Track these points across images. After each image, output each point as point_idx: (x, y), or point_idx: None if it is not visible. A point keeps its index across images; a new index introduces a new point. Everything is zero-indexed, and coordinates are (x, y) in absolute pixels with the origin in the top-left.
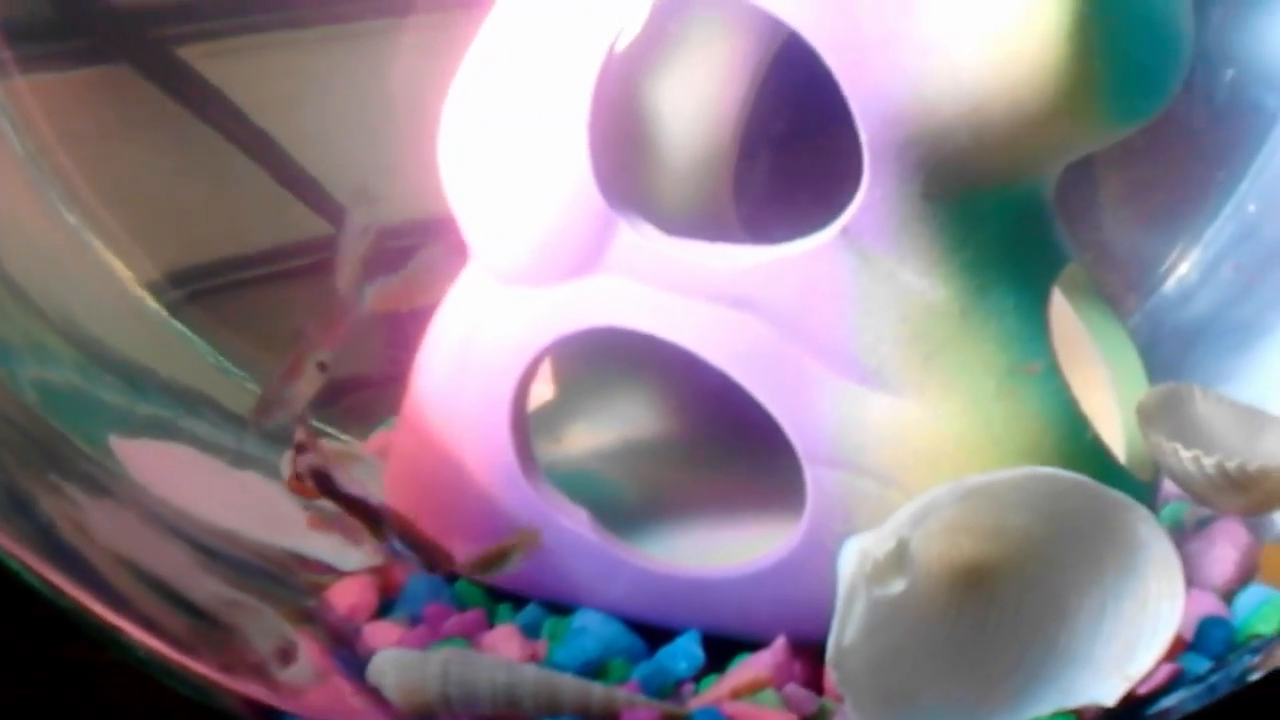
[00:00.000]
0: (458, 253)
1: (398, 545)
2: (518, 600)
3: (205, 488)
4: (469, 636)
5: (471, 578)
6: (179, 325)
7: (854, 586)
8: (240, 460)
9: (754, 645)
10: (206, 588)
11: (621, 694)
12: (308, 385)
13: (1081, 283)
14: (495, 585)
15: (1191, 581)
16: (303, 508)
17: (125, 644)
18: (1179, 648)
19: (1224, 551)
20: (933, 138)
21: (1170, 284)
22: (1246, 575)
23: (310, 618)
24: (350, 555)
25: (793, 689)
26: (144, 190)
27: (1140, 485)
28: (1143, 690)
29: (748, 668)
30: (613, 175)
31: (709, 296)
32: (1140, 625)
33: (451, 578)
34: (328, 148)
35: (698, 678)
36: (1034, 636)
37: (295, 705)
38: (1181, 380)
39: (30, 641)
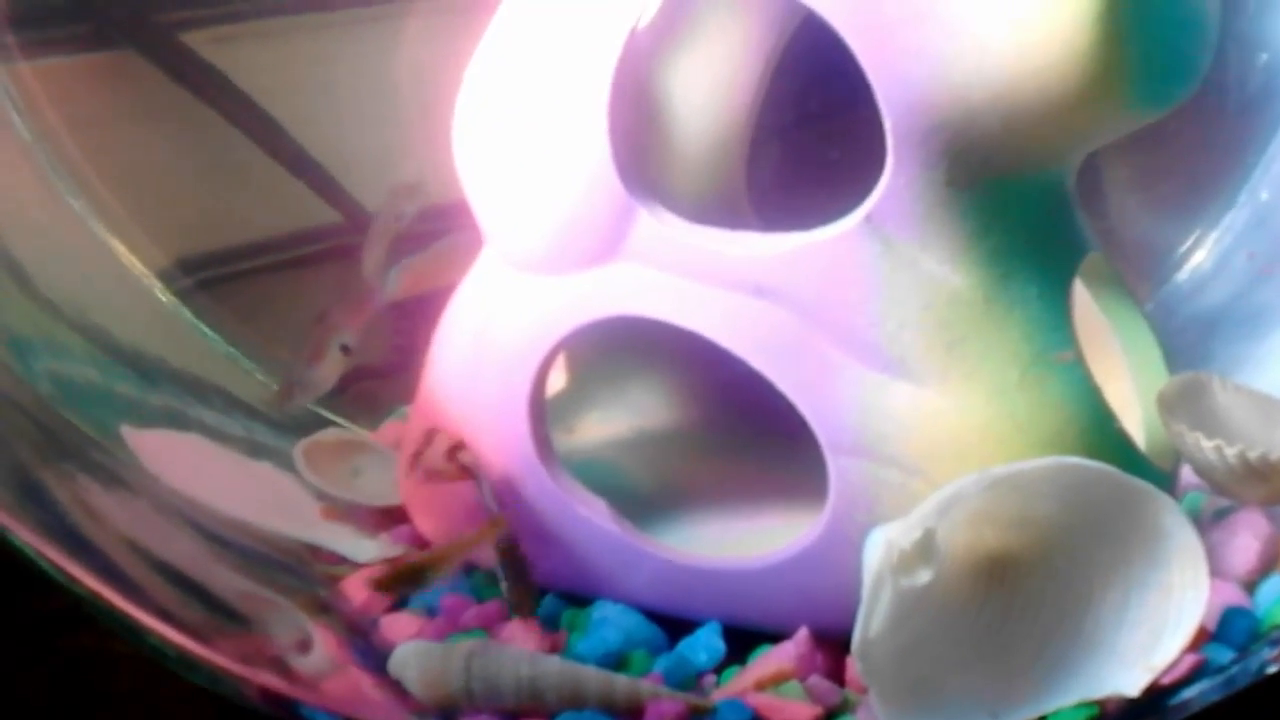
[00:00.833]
0: (475, 233)
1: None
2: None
3: (218, 478)
4: (488, 628)
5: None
6: (189, 314)
7: (880, 577)
8: (253, 450)
9: (774, 636)
10: (220, 578)
11: (646, 686)
12: (331, 368)
13: (1101, 271)
14: None
15: (1213, 572)
16: (317, 499)
17: (137, 632)
18: (1202, 638)
19: (1246, 541)
20: (959, 123)
21: (1184, 272)
22: (1268, 565)
23: (326, 609)
24: (365, 546)
25: (816, 680)
26: (152, 177)
27: (1161, 475)
28: (1166, 681)
29: (771, 659)
30: (631, 161)
31: (730, 285)
32: (1164, 615)
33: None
34: (337, 134)
35: (719, 669)
36: (1058, 626)
37: (312, 696)
38: (1196, 369)
39: (36, 632)
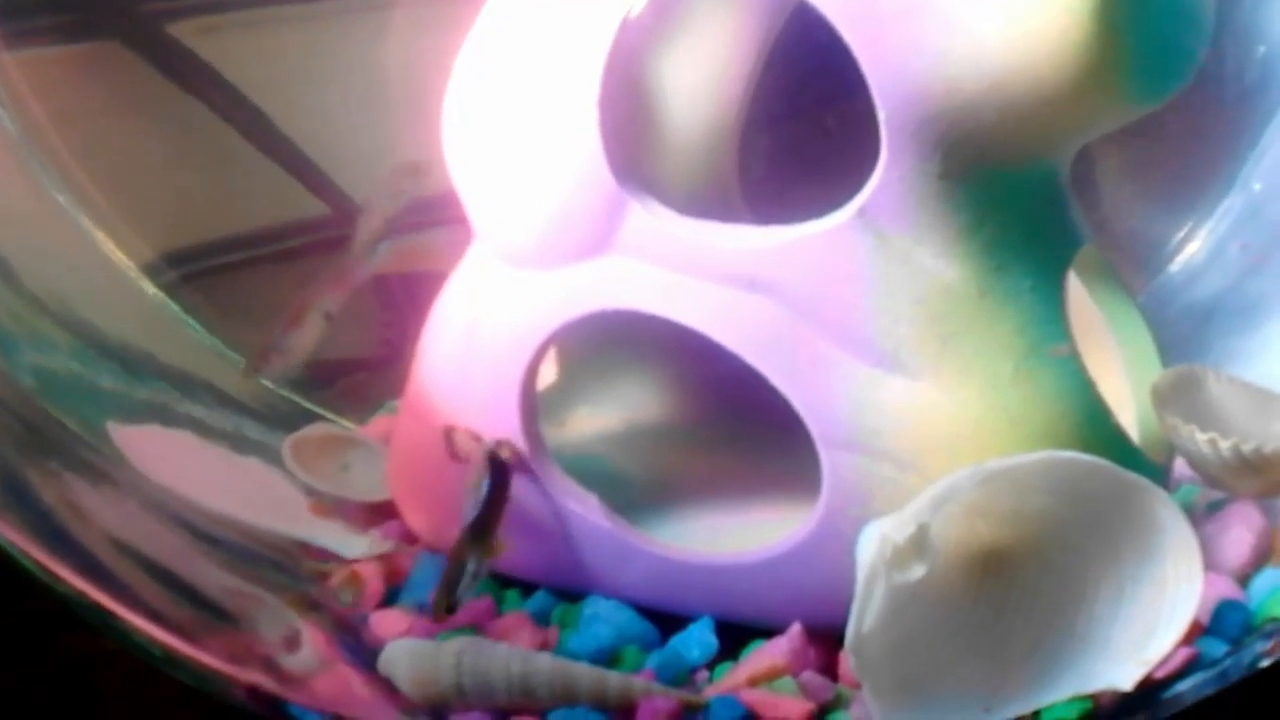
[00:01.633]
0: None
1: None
2: (526, 587)
3: (205, 474)
4: (479, 624)
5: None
6: (175, 308)
7: (874, 572)
8: (241, 445)
9: (767, 632)
10: (208, 575)
11: (638, 683)
12: (311, 333)
13: (1095, 263)
14: (503, 572)
15: (1207, 565)
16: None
17: (124, 631)
18: (1195, 631)
19: (1239, 534)
20: (953, 115)
21: (1177, 264)
22: (1261, 558)
23: (315, 606)
24: (354, 542)
25: (809, 676)
26: (138, 170)
27: (1155, 468)
28: (1159, 674)
29: (764, 655)
30: (623, 154)
31: (722, 278)
32: (1158, 609)
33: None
34: (324, 126)
35: (711, 665)
36: (1052, 621)
37: (301, 695)
38: (1189, 361)
39: (27, 632)
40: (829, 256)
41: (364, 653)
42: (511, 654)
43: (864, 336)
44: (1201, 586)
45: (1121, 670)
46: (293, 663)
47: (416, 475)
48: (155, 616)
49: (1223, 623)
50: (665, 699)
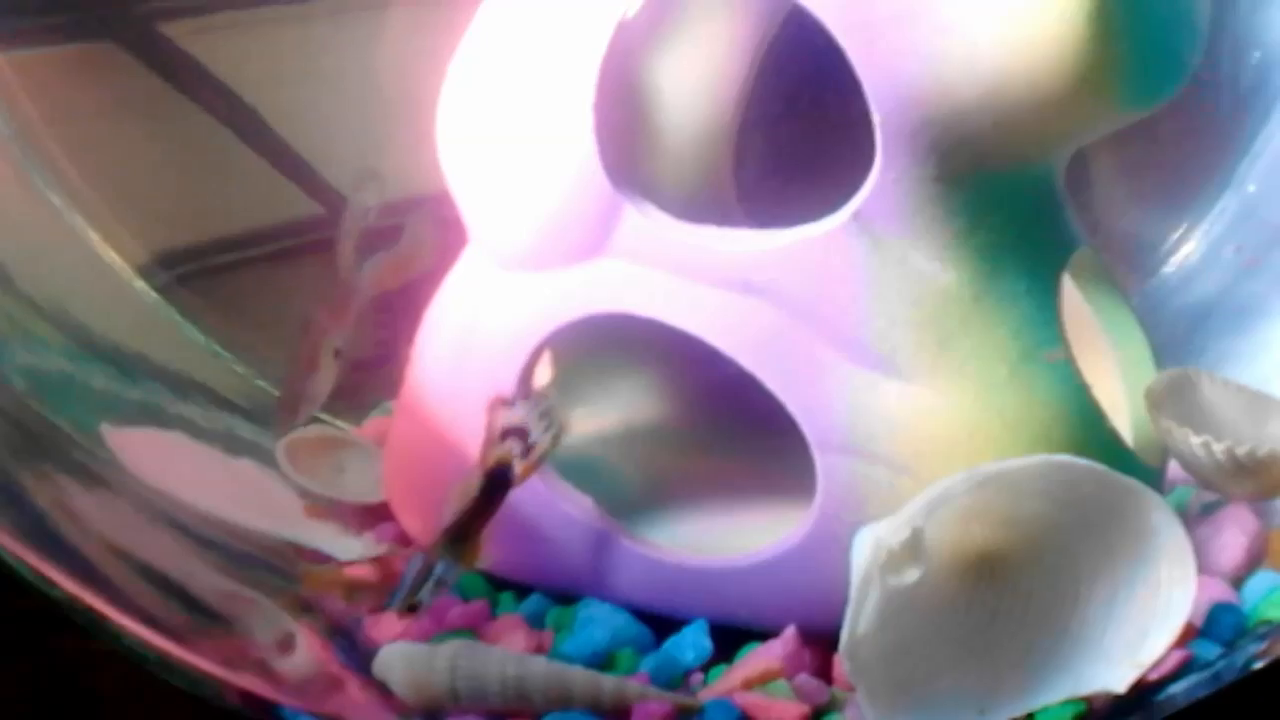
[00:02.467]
0: (441, 218)
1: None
2: (520, 590)
3: (199, 476)
4: (474, 627)
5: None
6: (169, 309)
7: (868, 576)
8: (235, 446)
9: (762, 635)
10: (201, 577)
11: (633, 686)
12: (327, 375)
13: (1090, 266)
14: (497, 575)
15: (1200, 567)
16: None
17: (117, 634)
18: (1189, 634)
19: (1232, 537)
20: (949, 119)
21: (1171, 265)
22: (1255, 561)
23: (309, 608)
24: (348, 545)
25: (804, 679)
26: (131, 170)
27: (1149, 471)
28: (1153, 677)
29: (758, 658)
30: (618, 157)
31: (718, 282)
32: (1152, 612)
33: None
34: (319, 126)
35: (706, 668)
36: (1046, 624)
37: (295, 698)
38: (1183, 363)
39: (19, 632)
40: (824, 260)
41: (358, 656)
42: (506, 657)
43: (859, 340)
44: (1195, 589)
45: (1115, 673)
46: (287, 666)
47: (411, 477)
48: (149, 620)
49: (1216, 625)
50: (660, 702)
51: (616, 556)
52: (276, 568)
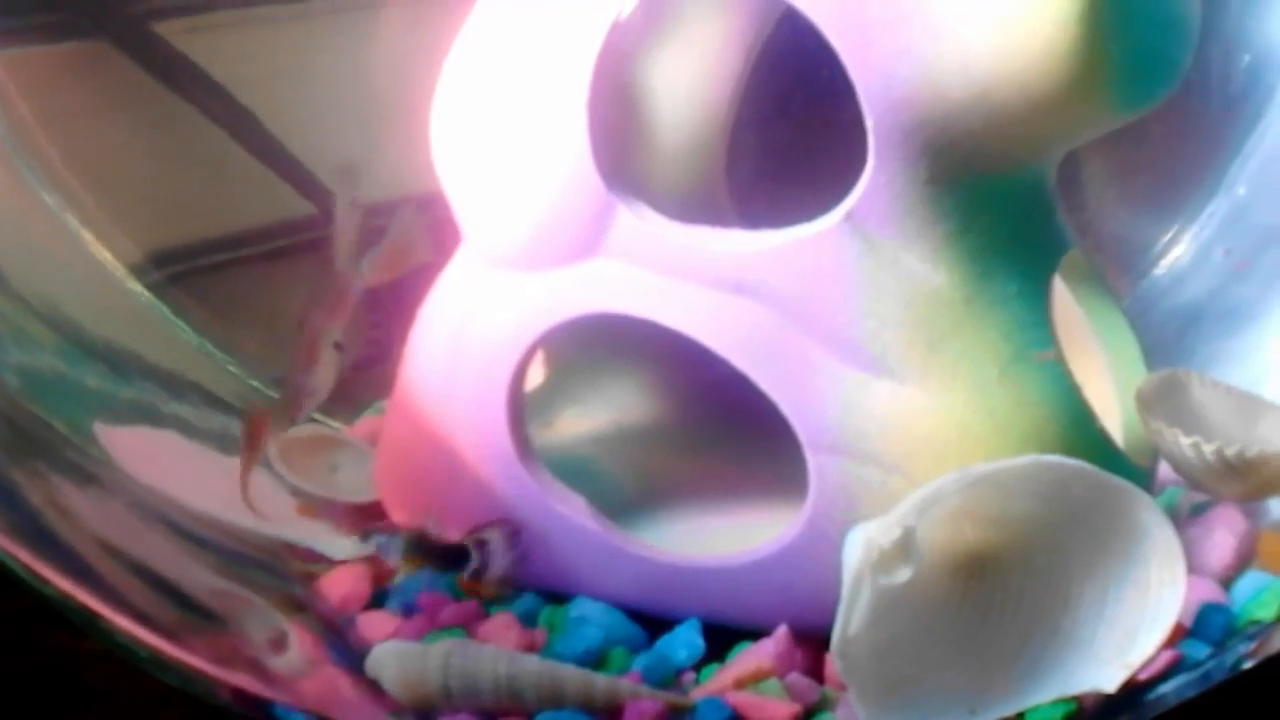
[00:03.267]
0: (428, 208)
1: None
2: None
3: (193, 475)
4: (466, 626)
5: None
6: (163, 308)
7: (859, 576)
8: (228, 445)
9: (754, 634)
10: (194, 576)
11: (625, 685)
12: (328, 369)
13: (1081, 267)
14: None
15: (1190, 568)
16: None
17: (110, 632)
18: (1179, 634)
19: (1222, 538)
20: (941, 122)
21: (1162, 267)
22: (1244, 561)
23: (301, 607)
24: (341, 544)
25: (795, 678)
26: (125, 170)
27: (1139, 471)
28: (1143, 677)
29: (750, 657)
30: (611, 157)
31: (710, 282)
32: (1142, 612)
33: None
34: (312, 126)
35: (698, 667)
36: (1036, 624)
37: (288, 696)
38: (1173, 365)
39: (12, 631)
40: (816, 260)
41: (351, 654)
42: (499, 656)
43: (850, 340)
44: (1184, 589)
45: (1105, 672)
46: (279, 664)
47: (404, 476)
48: (141, 618)
49: (1206, 625)
50: (652, 701)
51: (609, 556)
52: (269, 566)
